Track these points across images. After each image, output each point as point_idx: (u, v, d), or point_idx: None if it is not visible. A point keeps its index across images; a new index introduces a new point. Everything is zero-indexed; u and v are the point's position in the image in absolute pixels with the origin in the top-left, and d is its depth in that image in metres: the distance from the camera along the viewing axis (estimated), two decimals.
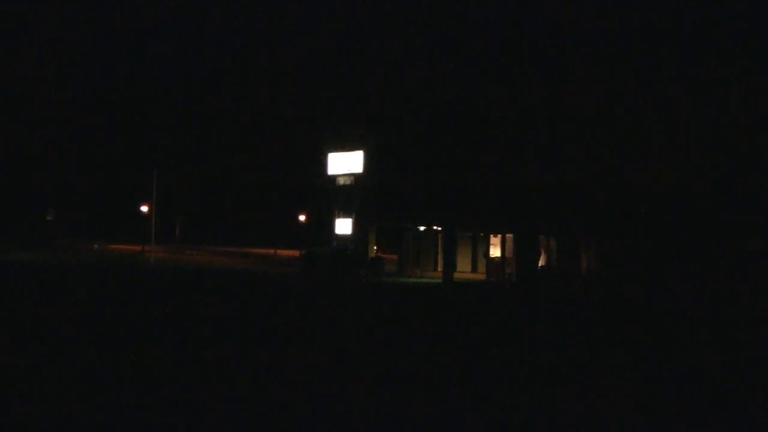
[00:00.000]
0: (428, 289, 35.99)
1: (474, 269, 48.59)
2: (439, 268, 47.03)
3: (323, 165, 51.61)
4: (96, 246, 64.20)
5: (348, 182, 50.43)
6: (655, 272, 40.22)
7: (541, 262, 45.53)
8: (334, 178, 51.21)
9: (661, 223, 41.39)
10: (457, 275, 43.73)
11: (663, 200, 41.30)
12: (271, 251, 72.47)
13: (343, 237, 50.47)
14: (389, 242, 51.78)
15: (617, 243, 42.58)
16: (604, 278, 41.63)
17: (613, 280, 40.23)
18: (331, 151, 51.08)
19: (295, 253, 60.77)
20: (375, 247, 49.83)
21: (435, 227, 48.45)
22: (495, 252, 47.07)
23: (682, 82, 40.93)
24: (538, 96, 43.80)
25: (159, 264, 49.36)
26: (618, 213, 42.96)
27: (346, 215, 50.65)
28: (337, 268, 44.82)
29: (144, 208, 61.47)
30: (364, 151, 49.12)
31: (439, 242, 49.07)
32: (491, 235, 47.51)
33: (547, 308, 26.28)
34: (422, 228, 49.25)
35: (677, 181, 40.47)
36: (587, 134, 43.62)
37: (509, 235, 45.90)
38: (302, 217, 70.01)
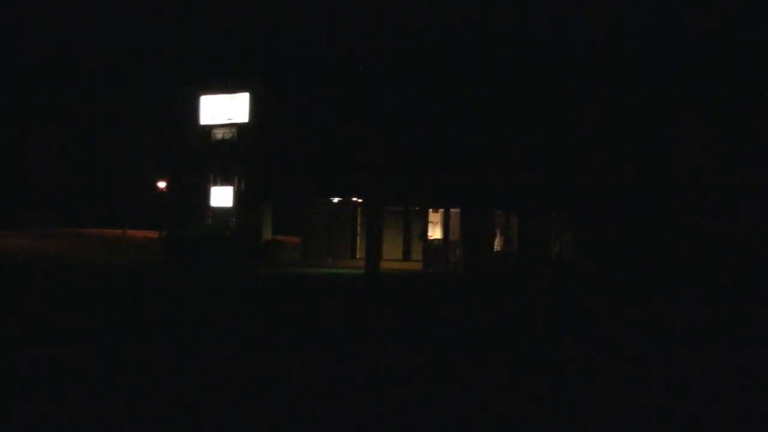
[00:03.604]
0: (344, 284, 35.83)
1: (406, 256, 48.32)
2: (360, 256, 46.90)
3: (193, 112, 50.64)
4: None
5: (228, 136, 50.00)
6: (652, 265, 41.13)
7: (496, 247, 45.63)
8: (208, 129, 50.59)
9: (663, 206, 42.58)
10: (383, 265, 43.57)
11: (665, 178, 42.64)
12: (118, 231, 70.08)
13: (222, 211, 49.46)
14: (290, 221, 50.85)
15: (603, 225, 43.33)
16: (584, 269, 42.09)
17: (598, 273, 40.73)
18: (205, 93, 50.18)
19: (153, 234, 58.91)
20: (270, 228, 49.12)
21: (353, 199, 47.95)
22: (435, 233, 47.09)
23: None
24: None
25: None
26: (606, 187, 43.51)
27: (225, 182, 49.53)
28: (214, 255, 44.06)
29: None
30: (251, 93, 48.59)
31: (359, 220, 48.64)
32: (430, 210, 47.22)
33: (515, 310, 25.88)
34: (336, 200, 48.61)
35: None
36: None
37: (454, 210, 46.02)
38: (162, 184, 67.51)
